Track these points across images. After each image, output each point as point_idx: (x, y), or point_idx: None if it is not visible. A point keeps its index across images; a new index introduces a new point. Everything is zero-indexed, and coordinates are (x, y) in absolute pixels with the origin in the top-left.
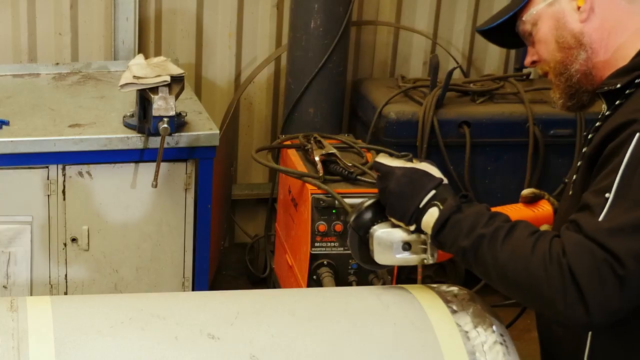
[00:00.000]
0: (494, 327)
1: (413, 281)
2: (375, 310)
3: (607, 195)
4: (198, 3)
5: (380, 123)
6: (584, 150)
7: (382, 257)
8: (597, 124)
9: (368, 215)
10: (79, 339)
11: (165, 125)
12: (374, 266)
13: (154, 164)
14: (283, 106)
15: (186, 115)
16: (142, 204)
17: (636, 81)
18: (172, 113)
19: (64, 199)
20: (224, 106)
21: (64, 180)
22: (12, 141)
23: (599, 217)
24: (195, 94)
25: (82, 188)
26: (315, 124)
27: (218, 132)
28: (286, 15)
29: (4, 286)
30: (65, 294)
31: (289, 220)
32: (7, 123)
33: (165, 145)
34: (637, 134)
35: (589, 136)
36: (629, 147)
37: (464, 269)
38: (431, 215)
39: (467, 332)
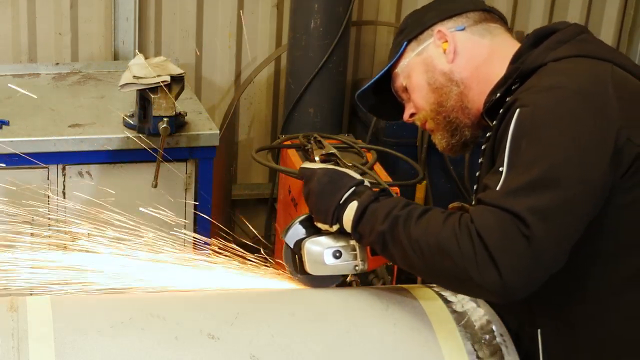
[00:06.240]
0: (494, 327)
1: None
2: (375, 310)
3: (501, 169)
4: (198, 3)
5: (380, 123)
6: (483, 147)
7: (314, 267)
8: (488, 134)
9: (300, 230)
10: (79, 339)
11: (165, 125)
12: (310, 281)
13: (154, 164)
14: (283, 106)
15: (186, 115)
16: (142, 204)
17: (513, 87)
18: (172, 113)
19: (64, 199)
20: (224, 106)
21: (64, 180)
22: (12, 141)
23: (497, 188)
24: (195, 94)
25: (82, 188)
26: (315, 124)
27: (218, 132)
28: (286, 15)
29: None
30: (66, 294)
31: (289, 220)
32: (7, 123)
33: (165, 145)
34: (518, 110)
35: (482, 147)
36: (512, 122)
37: None
38: (351, 209)
39: (467, 332)
